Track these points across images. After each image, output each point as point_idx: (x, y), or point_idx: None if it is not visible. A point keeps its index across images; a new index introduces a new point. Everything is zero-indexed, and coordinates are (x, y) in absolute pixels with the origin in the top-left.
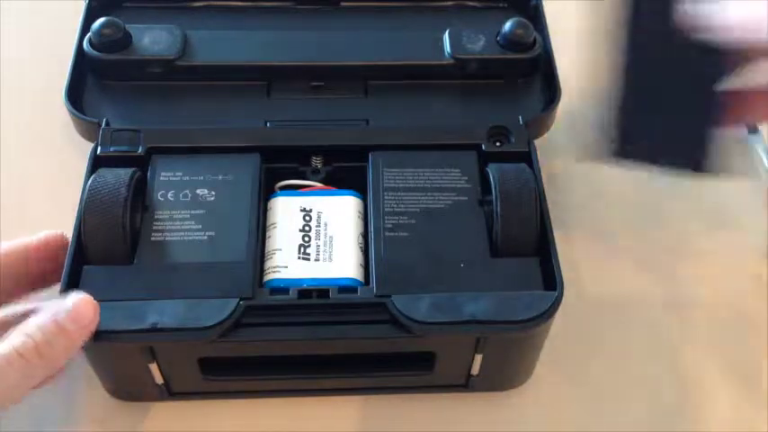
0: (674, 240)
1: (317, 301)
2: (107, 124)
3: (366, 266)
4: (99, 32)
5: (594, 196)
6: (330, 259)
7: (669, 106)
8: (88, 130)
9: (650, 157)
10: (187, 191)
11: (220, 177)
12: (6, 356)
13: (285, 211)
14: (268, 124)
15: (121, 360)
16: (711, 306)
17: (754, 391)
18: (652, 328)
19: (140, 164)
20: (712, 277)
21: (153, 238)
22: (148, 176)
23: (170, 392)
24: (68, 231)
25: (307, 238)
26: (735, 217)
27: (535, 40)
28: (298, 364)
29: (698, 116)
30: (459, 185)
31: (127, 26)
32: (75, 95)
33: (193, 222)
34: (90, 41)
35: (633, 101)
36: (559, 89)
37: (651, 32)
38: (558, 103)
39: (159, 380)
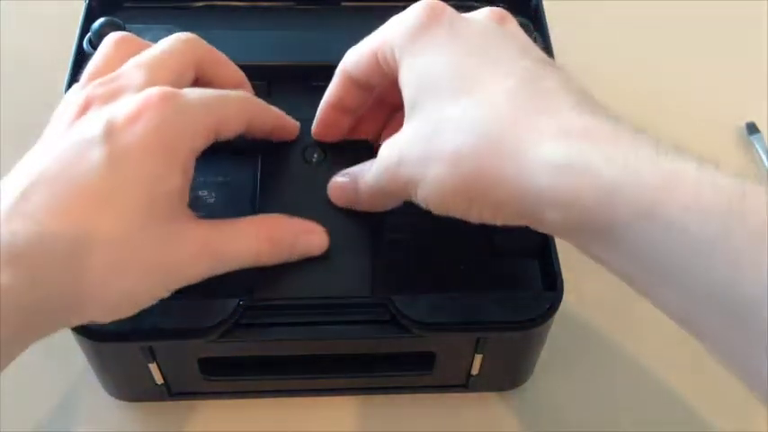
0: None
1: (316, 301)
2: None
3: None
4: (99, 32)
5: None
6: None
7: None
8: None
9: None
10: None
11: (221, 179)
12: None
13: None
14: None
15: (121, 360)
16: None
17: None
18: (652, 328)
19: None
20: None
21: None
22: None
23: (170, 392)
24: None
25: None
26: None
27: (535, 40)
28: (298, 364)
29: None
30: None
31: (127, 26)
32: None
33: None
34: (90, 41)
35: None
36: None
37: None
38: None
39: (159, 380)
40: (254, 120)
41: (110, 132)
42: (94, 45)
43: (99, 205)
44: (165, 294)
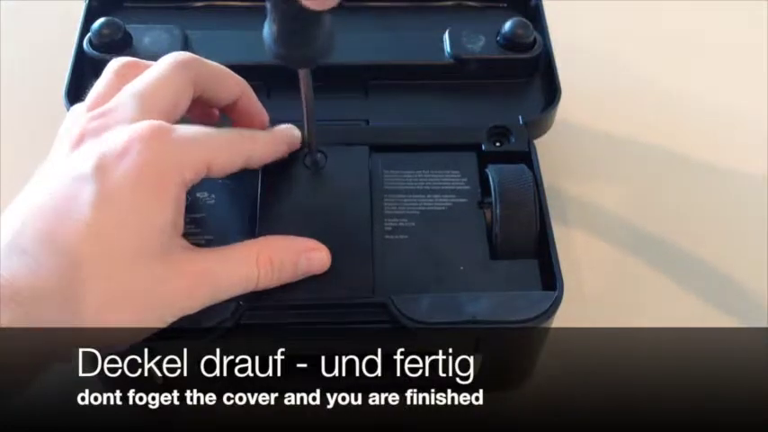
0: (677, 239)
1: (317, 301)
2: None
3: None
4: (99, 32)
5: (596, 195)
6: None
7: None
8: None
9: None
10: (187, 194)
11: (220, 181)
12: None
13: None
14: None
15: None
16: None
17: None
18: (652, 328)
19: None
20: (714, 274)
21: None
22: None
23: (170, 392)
24: None
25: None
26: (739, 215)
27: (535, 39)
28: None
29: None
30: (458, 187)
31: (127, 26)
32: (75, 95)
33: (193, 226)
34: (90, 41)
35: None
36: (559, 89)
37: None
38: (557, 103)
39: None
40: (251, 157)
41: (100, 168)
42: (94, 45)
43: (90, 242)
44: (163, 326)
